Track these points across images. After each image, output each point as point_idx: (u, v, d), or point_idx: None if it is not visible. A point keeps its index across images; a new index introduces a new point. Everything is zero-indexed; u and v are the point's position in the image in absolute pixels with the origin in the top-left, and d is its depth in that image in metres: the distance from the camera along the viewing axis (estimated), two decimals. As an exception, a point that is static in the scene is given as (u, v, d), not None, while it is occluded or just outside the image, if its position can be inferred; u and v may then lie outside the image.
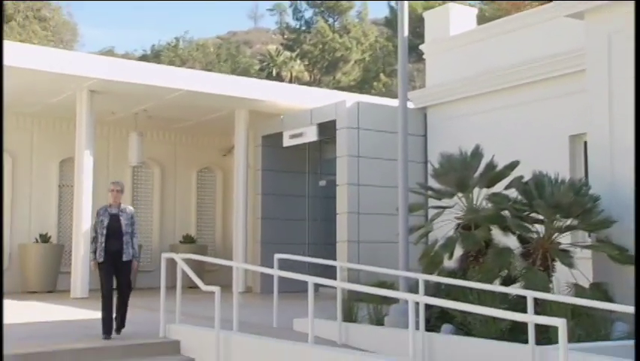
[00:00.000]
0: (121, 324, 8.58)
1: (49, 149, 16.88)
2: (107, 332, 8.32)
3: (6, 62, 12.48)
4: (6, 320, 9.78)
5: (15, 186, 16.51)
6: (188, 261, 8.65)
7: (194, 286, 8.37)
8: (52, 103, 15.53)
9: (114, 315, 8.46)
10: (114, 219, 8.60)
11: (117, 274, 8.57)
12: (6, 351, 7.26)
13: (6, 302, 13.11)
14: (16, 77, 13.45)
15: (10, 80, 13.39)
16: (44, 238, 16.22)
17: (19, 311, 11.86)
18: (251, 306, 12.56)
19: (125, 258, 8.56)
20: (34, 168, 16.81)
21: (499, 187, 9.76)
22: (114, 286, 8.58)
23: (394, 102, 13.53)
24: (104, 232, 8.53)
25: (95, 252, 8.56)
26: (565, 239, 9.39)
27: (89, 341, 8.14)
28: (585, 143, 11.11)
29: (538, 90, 12.91)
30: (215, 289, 7.70)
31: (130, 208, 8.92)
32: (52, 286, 15.90)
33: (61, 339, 8.31)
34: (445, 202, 9.99)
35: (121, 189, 8.78)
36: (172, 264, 8.78)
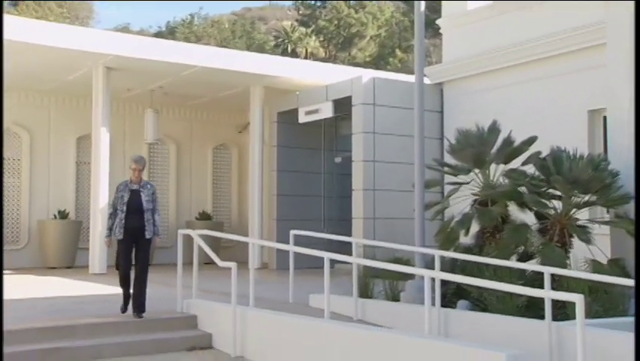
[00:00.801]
0: (141, 307, 8.20)
1: (66, 126, 16.96)
2: (126, 307, 8.34)
3: (22, 39, 12.53)
4: (26, 295, 9.97)
5: (33, 163, 16.64)
6: (204, 237, 8.68)
7: (211, 263, 8.41)
8: (69, 80, 15.57)
9: (132, 291, 8.39)
10: (135, 195, 8.35)
11: (136, 251, 8.35)
12: (26, 325, 7.38)
13: (26, 277, 13.38)
14: (33, 55, 13.49)
15: (26, 58, 13.45)
16: (62, 215, 16.36)
17: (39, 286, 12.02)
18: (267, 282, 12.62)
19: (147, 235, 8.32)
20: (52, 145, 16.90)
21: (516, 163, 9.67)
22: (132, 263, 8.39)
23: (410, 78, 13.41)
24: (124, 208, 8.28)
25: (111, 228, 8.35)
26: (583, 215, 9.31)
27: (106, 316, 8.22)
28: (604, 118, 10.96)
29: (557, 65, 12.72)
30: (232, 265, 7.72)
31: (151, 184, 8.62)
32: (71, 262, 16.06)
33: (80, 314, 8.40)
34: (461, 178, 9.93)
35: (142, 167, 8.49)
36: (188, 240, 8.81)
